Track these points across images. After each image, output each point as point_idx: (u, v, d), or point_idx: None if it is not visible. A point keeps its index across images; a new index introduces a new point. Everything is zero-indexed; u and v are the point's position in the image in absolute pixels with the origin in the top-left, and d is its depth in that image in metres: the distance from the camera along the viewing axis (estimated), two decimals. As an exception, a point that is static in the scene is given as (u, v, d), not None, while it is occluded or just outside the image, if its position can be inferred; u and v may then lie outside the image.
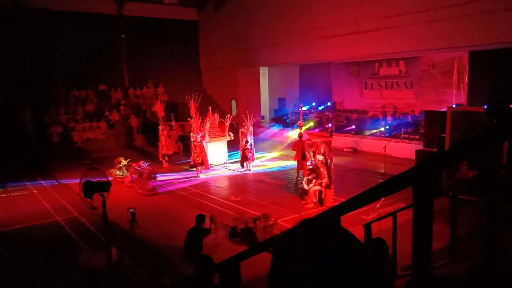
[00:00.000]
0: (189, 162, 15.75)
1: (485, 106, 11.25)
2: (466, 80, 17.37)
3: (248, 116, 15.25)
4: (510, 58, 14.51)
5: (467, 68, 17.31)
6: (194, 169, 15.27)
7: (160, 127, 16.62)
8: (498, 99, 12.91)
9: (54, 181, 14.86)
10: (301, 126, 14.69)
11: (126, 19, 23.78)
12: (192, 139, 15.46)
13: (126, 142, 20.77)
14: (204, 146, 15.28)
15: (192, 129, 15.92)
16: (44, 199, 12.55)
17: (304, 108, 24.48)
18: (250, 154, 15.45)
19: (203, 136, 15.34)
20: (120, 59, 24.29)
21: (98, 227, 9.38)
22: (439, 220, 5.73)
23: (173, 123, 18.72)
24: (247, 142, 15.31)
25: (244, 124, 15.63)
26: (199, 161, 14.94)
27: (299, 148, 13.78)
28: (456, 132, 10.93)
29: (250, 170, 15.62)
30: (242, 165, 15.68)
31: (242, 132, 15.71)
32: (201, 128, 15.58)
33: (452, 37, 13.75)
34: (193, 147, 15.16)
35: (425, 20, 14.15)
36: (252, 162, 15.76)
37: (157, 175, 14.28)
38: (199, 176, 14.93)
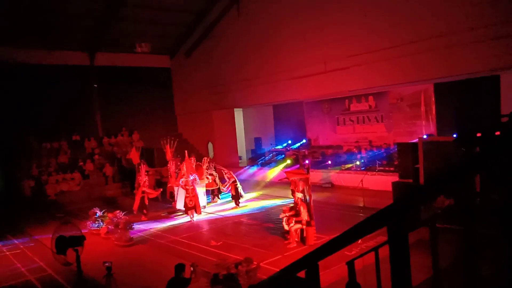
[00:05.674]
0: (169, 208, 15.42)
1: (454, 135, 11.62)
2: (433, 111, 18.02)
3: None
4: (473, 88, 15.23)
5: (433, 99, 18.00)
6: (174, 214, 14.94)
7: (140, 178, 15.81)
8: (465, 128, 13.35)
9: (27, 238, 14.22)
10: None
11: (99, 69, 23.85)
12: (176, 184, 15.27)
13: (101, 192, 20.24)
14: (196, 189, 14.95)
15: (169, 173, 15.71)
16: (16, 258, 11.93)
17: (280, 147, 24.77)
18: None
19: (195, 179, 15.03)
20: (93, 109, 24.15)
21: (73, 284, 8.94)
22: (421, 251, 5.72)
23: (146, 167, 18.22)
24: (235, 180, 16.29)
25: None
26: (192, 205, 14.63)
27: None
28: (429, 162, 11.16)
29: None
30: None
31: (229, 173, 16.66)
32: (179, 172, 15.43)
33: (416, 71, 14.35)
34: (185, 191, 14.75)
35: (389, 56, 14.79)
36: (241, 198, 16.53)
37: (135, 224, 13.84)
38: (193, 220, 14.57)
